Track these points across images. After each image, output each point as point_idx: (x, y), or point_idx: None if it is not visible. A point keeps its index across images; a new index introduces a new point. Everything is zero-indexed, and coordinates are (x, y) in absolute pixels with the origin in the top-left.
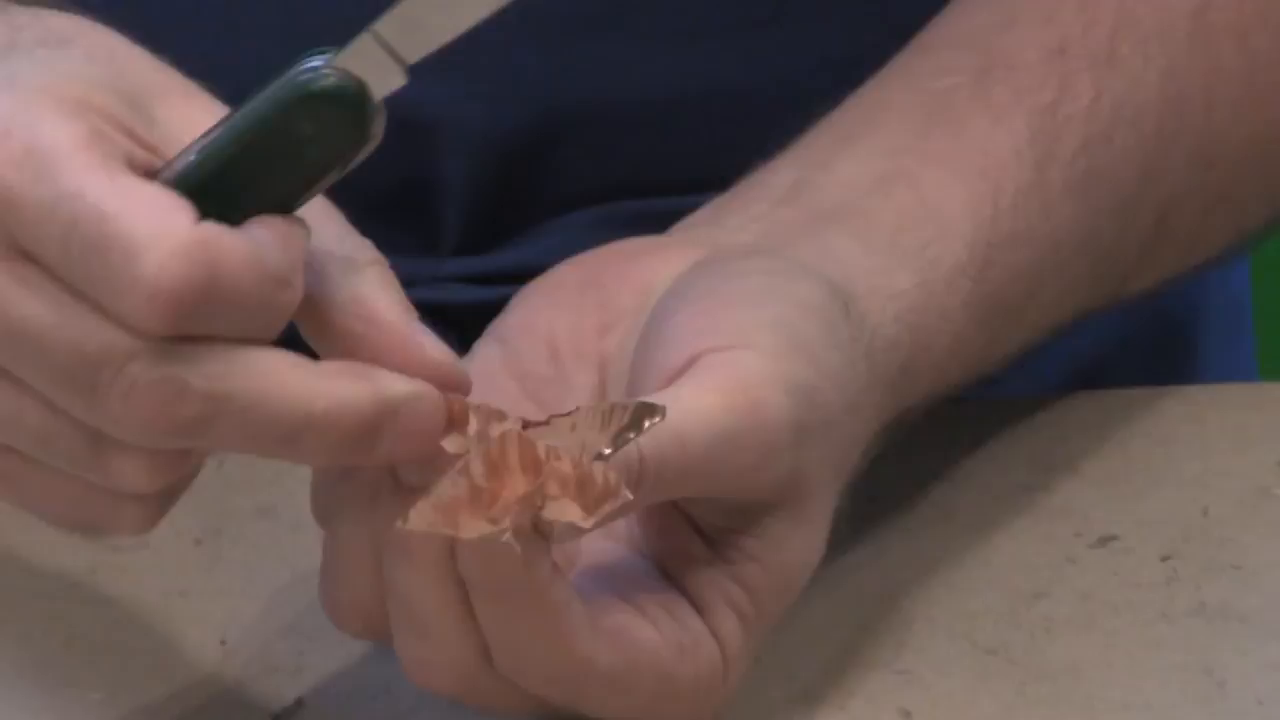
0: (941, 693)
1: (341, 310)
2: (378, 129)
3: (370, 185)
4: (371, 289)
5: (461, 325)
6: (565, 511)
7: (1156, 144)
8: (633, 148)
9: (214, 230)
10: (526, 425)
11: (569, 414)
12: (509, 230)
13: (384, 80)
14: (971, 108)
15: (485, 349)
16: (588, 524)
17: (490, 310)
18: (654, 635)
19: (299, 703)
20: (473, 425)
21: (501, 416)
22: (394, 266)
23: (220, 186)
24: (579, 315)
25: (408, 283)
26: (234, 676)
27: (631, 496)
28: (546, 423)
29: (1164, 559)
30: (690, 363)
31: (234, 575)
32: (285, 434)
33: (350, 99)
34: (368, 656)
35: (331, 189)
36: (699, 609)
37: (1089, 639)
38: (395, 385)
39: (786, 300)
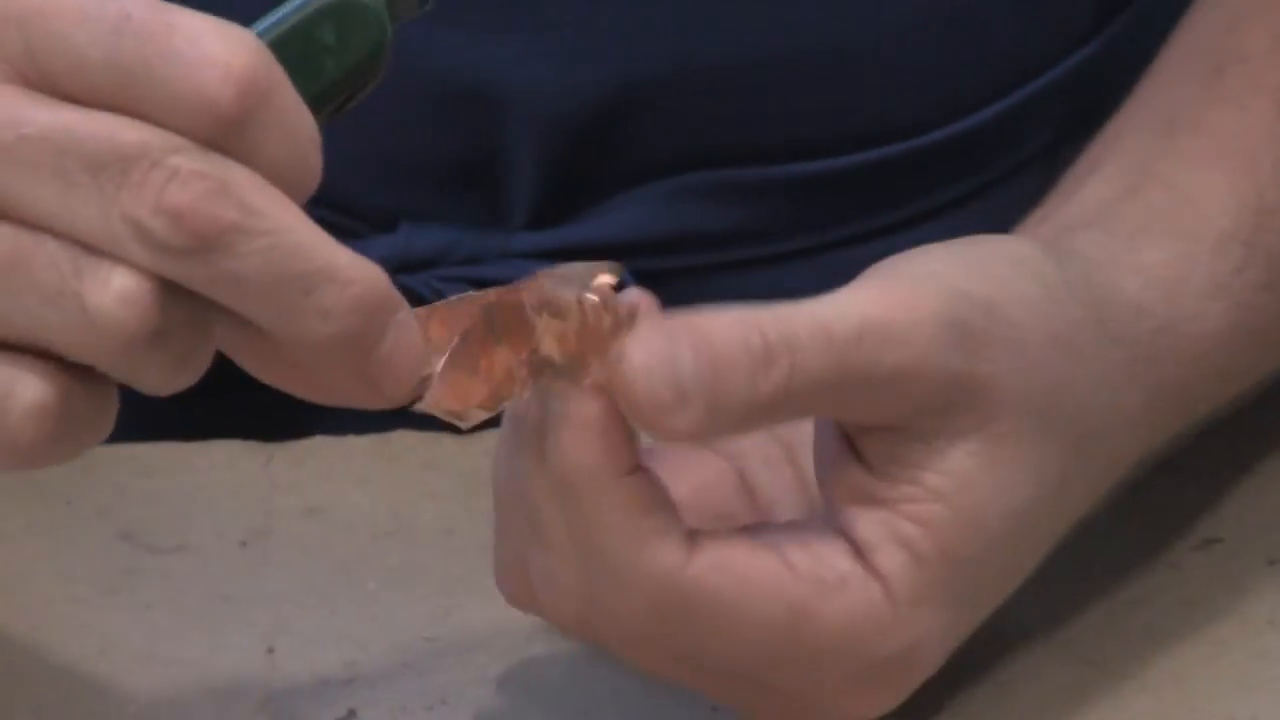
0: (1036, 705)
1: None
2: (388, 51)
3: (435, 156)
4: None
5: None
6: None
7: None
8: (712, 115)
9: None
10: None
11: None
12: (580, 203)
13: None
14: (1211, 104)
15: None
16: (596, 366)
17: None
18: (773, 561)
19: (351, 714)
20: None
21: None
22: (459, 241)
23: None
24: None
25: (474, 258)
26: (282, 686)
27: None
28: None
29: (1271, 563)
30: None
31: (282, 579)
32: (305, 277)
33: (375, 11)
34: (422, 666)
35: (394, 158)
36: (861, 549)
37: (1192, 648)
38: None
39: (980, 242)
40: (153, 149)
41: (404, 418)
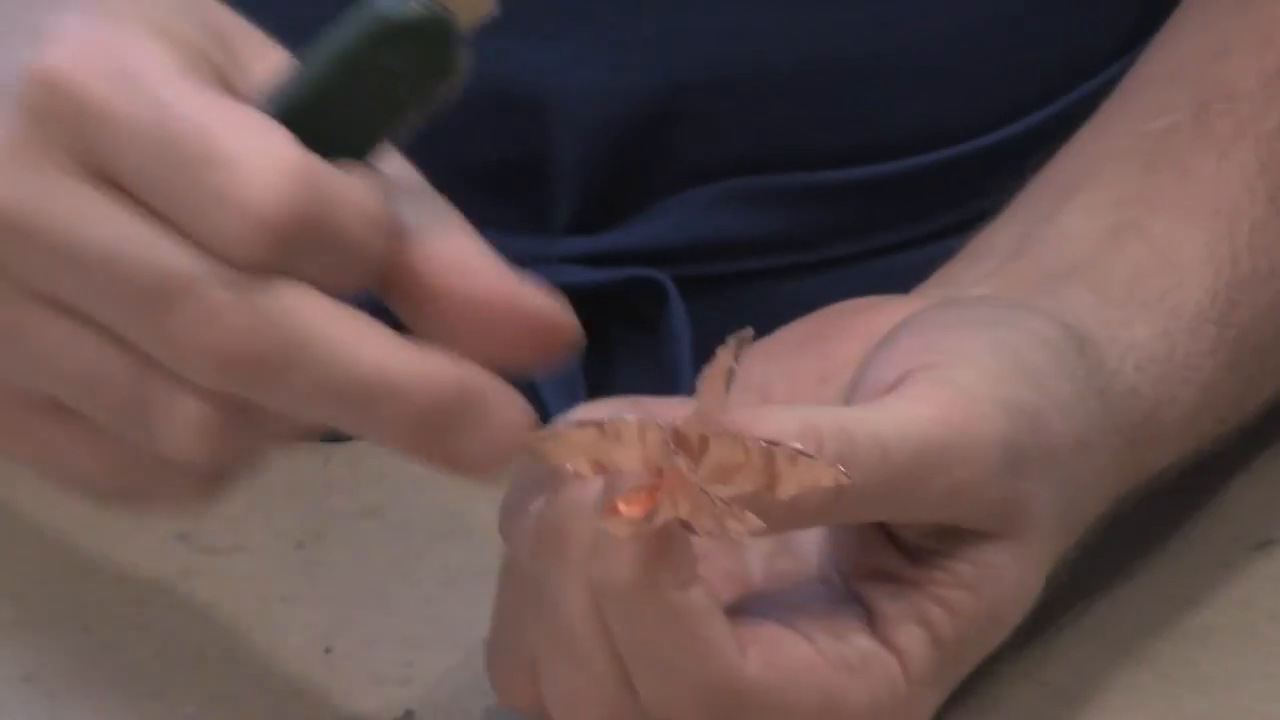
0: (1089, 707)
1: (433, 266)
2: (462, 64)
3: (476, 159)
4: (464, 241)
5: (574, 310)
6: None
7: None
8: (756, 119)
9: (318, 160)
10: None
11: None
12: (625, 208)
13: (472, 10)
14: (1194, 147)
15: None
16: (771, 520)
17: (605, 293)
18: (809, 651)
19: (408, 715)
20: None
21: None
22: (502, 247)
23: (299, 125)
24: (796, 364)
25: (516, 264)
26: (339, 687)
27: (846, 480)
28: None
29: None
30: (902, 379)
31: (338, 580)
32: (361, 396)
33: (434, 29)
34: (479, 666)
35: (435, 162)
36: (880, 624)
37: (1248, 650)
38: (483, 375)
39: (1014, 327)
40: (199, 279)
41: None
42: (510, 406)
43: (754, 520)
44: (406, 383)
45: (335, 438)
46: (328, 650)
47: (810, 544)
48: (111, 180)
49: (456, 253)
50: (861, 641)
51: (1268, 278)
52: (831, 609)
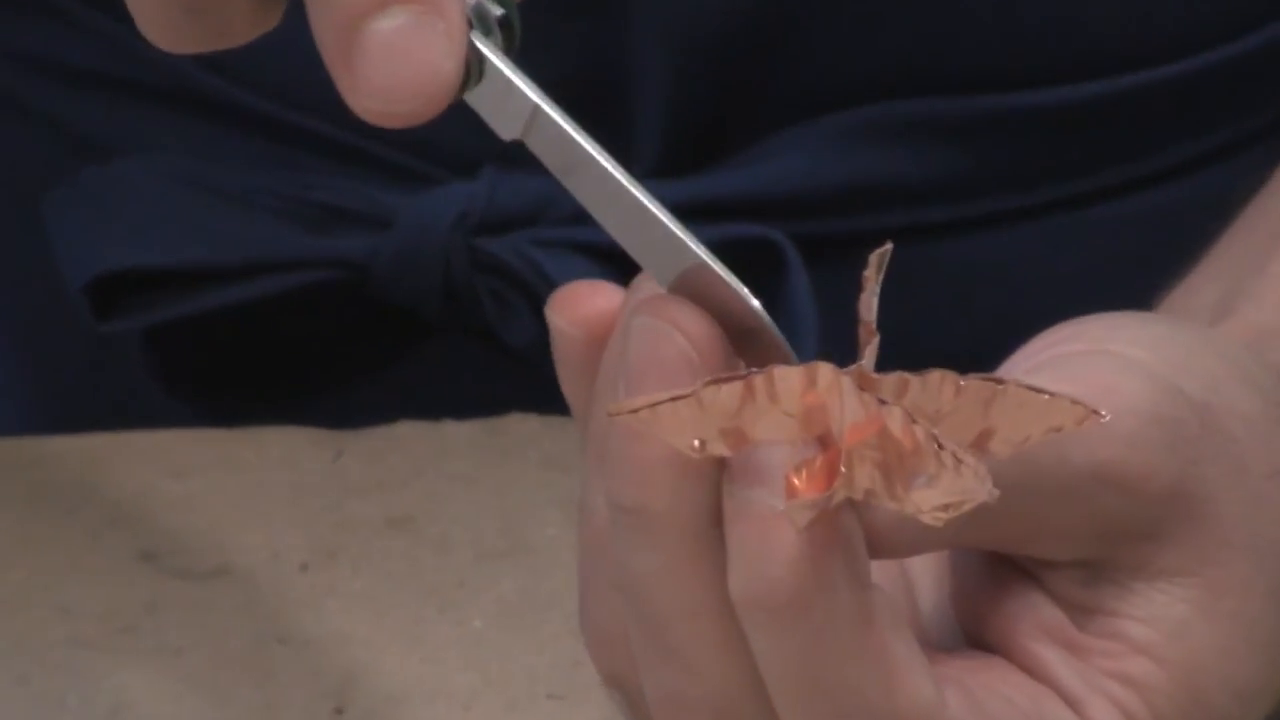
0: None
1: None
2: None
3: (538, 77)
4: None
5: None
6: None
7: None
8: (896, 27)
9: None
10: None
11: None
12: (725, 145)
13: None
14: None
15: None
16: (939, 518)
17: None
18: (1015, 713)
19: None
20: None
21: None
22: (562, 192)
23: None
24: None
25: (580, 216)
26: None
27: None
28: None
29: None
30: (1043, 363)
31: (356, 615)
32: None
33: None
34: None
35: None
36: (1069, 701)
37: None
38: None
39: (1188, 330)
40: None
41: (519, 395)
42: (442, 41)
43: (986, 476)
44: None
45: (349, 422)
46: (339, 711)
47: (926, 590)
48: None
49: None
50: (1061, 713)
51: None
52: (1005, 671)
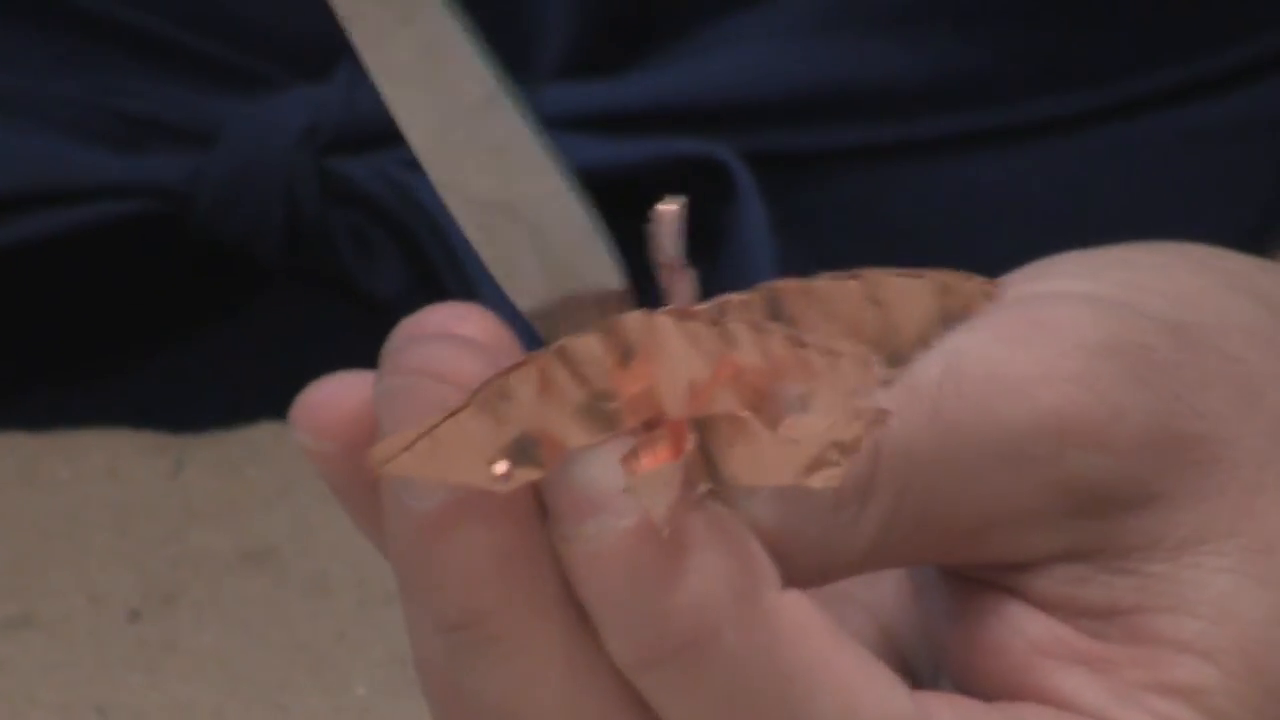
0: None
1: None
2: None
3: None
4: None
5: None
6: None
7: None
8: None
9: None
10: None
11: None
12: (643, 39)
13: None
14: None
15: None
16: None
17: (627, 183)
18: None
19: None
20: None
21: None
22: None
23: None
24: None
25: None
26: None
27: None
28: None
29: None
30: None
31: (203, 676)
32: None
33: None
34: None
35: None
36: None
37: None
38: None
39: (1152, 249)
40: None
41: None
42: None
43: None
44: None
45: (191, 422)
46: None
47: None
48: None
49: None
50: None
51: None
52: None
